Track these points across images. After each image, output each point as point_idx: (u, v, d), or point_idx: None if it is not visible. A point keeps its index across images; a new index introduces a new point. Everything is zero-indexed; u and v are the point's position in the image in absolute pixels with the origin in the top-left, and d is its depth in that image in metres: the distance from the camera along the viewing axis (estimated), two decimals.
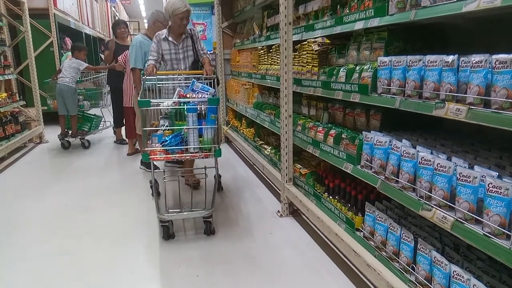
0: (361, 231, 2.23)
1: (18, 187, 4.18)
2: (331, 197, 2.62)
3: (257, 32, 4.59)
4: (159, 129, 2.97)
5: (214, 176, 3.41)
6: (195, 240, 2.85)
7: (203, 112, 2.85)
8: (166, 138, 2.76)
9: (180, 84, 3.29)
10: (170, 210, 2.90)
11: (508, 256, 1.29)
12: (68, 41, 8.76)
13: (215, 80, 3.32)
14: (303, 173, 3.12)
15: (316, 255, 2.61)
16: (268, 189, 3.94)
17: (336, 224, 2.44)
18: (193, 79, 3.10)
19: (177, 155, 2.73)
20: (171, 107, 2.89)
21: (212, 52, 7.02)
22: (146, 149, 2.75)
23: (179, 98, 2.84)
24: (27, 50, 6.43)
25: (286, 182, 3.21)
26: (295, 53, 3.18)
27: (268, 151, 4.04)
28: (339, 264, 2.48)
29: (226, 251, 2.69)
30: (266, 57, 4.20)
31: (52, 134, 6.82)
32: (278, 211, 3.31)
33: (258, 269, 2.46)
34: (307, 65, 3.00)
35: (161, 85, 3.36)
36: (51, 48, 7.69)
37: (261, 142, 4.47)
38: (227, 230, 2.99)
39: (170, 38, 3.56)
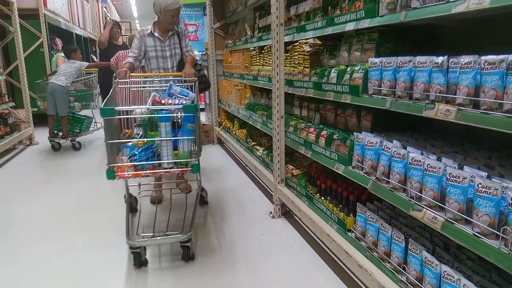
0: (353, 231, 2.23)
1: (8, 190, 4.12)
2: (323, 198, 2.62)
3: (249, 33, 4.59)
4: (126, 141, 2.57)
5: (196, 190, 3.14)
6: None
7: (179, 121, 2.51)
8: (135, 151, 2.41)
9: (156, 88, 2.93)
10: (142, 234, 2.62)
11: (497, 256, 1.30)
12: (59, 42, 8.68)
13: (196, 83, 3.00)
14: (295, 174, 3.12)
15: (308, 256, 2.61)
16: (260, 190, 3.94)
17: (328, 225, 2.44)
18: (170, 82, 2.79)
19: (148, 171, 2.37)
20: (142, 115, 2.56)
21: (204, 53, 7.01)
22: (111, 165, 2.33)
23: (152, 104, 2.52)
24: (17, 51, 6.36)
25: (278, 183, 3.21)
26: (287, 54, 3.18)
27: (260, 152, 4.04)
28: (331, 265, 2.48)
29: (216, 254, 2.67)
30: (258, 58, 4.19)
31: (42, 136, 6.74)
32: (271, 212, 3.31)
33: (250, 270, 2.46)
34: (299, 66, 3.00)
35: (135, 88, 3.10)
36: (41, 48, 7.61)
37: (253, 143, 4.46)
38: (216, 231, 2.98)
39: (156, 34, 3.38)
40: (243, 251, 2.69)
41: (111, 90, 2.80)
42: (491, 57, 1.38)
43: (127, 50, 4.66)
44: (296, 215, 3.07)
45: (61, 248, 2.78)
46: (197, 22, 10.15)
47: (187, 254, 2.55)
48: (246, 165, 4.57)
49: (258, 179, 4.15)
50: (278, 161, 3.17)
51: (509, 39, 1.87)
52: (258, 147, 4.24)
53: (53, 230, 3.08)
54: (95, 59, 10.53)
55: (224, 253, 2.66)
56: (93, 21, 13.26)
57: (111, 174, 2.32)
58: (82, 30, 10.99)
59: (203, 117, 6.87)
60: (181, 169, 2.39)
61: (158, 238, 2.48)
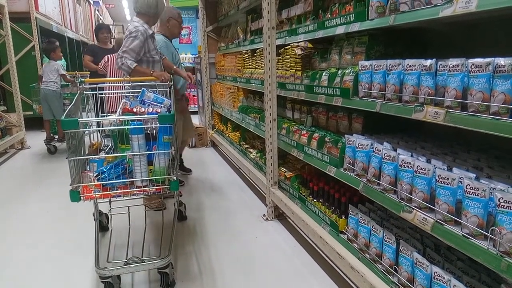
0: (345, 233, 2.24)
1: None
2: (315, 200, 2.63)
3: (242, 36, 4.60)
4: (93, 157, 2.27)
5: (174, 204, 2.83)
6: None
7: (154, 132, 2.23)
8: (104, 168, 2.09)
9: (126, 95, 2.58)
10: (113, 261, 2.38)
11: (486, 257, 1.32)
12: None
13: (172, 89, 2.74)
14: (288, 176, 3.13)
15: (301, 258, 2.61)
16: (253, 192, 3.94)
17: (321, 227, 2.45)
18: (142, 88, 2.50)
19: (119, 190, 2.07)
20: (111, 127, 2.27)
21: (197, 56, 7.01)
22: (75, 185, 2.03)
23: (123, 113, 2.21)
24: (8, 55, 6.31)
25: (272, 185, 3.22)
26: (279, 57, 3.19)
27: (253, 155, 4.05)
28: (324, 267, 2.49)
29: (205, 264, 2.67)
30: (250, 61, 4.21)
31: (35, 139, 6.71)
32: (264, 215, 3.31)
33: (243, 273, 2.46)
34: (291, 69, 3.02)
35: (103, 95, 2.77)
36: (32, 52, 7.56)
37: (246, 146, 4.47)
38: (211, 233, 2.98)
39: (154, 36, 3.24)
40: (235, 254, 2.68)
41: (75, 98, 2.50)
42: (478, 60, 1.39)
43: (115, 54, 4.64)
44: (289, 218, 3.08)
45: (54, 252, 2.76)
46: (190, 25, 10.15)
47: (165, 282, 2.25)
48: (240, 168, 4.57)
49: (251, 182, 4.16)
50: (271, 164, 3.18)
51: (496, 42, 1.90)
52: (251, 150, 4.25)
53: (44, 235, 3.06)
54: None
55: (214, 262, 2.66)
56: (86, 24, 13.19)
57: (75, 195, 2.02)
58: (74, 33, 10.93)
59: (196, 120, 6.85)
60: (158, 187, 2.11)
61: (132, 265, 2.18)
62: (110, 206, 2.76)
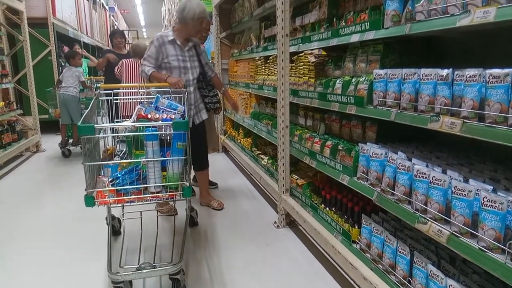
0: (358, 243, 2.22)
1: (14, 197, 4.15)
2: (327, 209, 2.61)
3: (255, 43, 4.62)
4: (108, 163, 2.28)
5: (186, 210, 2.83)
6: None
7: (168, 139, 2.24)
8: (118, 174, 2.12)
9: (142, 101, 2.64)
10: (126, 266, 2.39)
11: (503, 271, 1.29)
12: (66, 50, 8.79)
13: (185, 95, 2.78)
14: (300, 183, 3.11)
15: (313, 267, 2.59)
16: (265, 199, 3.93)
17: (333, 236, 2.43)
18: (157, 94, 2.53)
19: (132, 196, 2.10)
20: (125, 133, 2.29)
21: (210, 62, 7.06)
22: (90, 190, 2.06)
23: (137, 119, 2.24)
24: (25, 59, 6.45)
25: (283, 192, 3.21)
26: (292, 64, 3.20)
27: (265, 161, 4.04)
28: (336, 276, 2.46)
29: (222, 264, 2.67)
30: (263, 67, 4.22)
31: (49, 142, 6.83)
32: (275, 222, 3.30)
33: (254, 280, 2.45)
34: (304, 76, 3.02)
35: (118, 101, 2.79)
36: (49, 57, 7.72)
37: (258, 152, 4.47)
38: (222, 240, 2.98)
39: (178, 42, 3.21)
40: (246, 261, 2.68)
41: (91, 103, 2.54)
42: (496, 71, 1.38)
43: (131, 59, 4.71)
44: (300, 225, 3.06)
45: (67, 256, 2.79)
46: None
47: None
48: (251, 174, 4.57)
49: (263, 188, 4.15)
50: (283, 171, 3.17)
51: None
52: (263, 156, 4.25)
53: (58, 239, 3.09)
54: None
55: (225, 269, 2.65)
56: (101, 29, 13.42)
57: (90, 200, 2.04)
58: (90, 38, 11.13)
59: None
60: (171, 193, 2.13)
61: (144, 271, 2.17)
62: (123, 211, 2.78)
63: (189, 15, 3.11)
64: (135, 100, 2.89)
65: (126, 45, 6.25)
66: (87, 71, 7.38)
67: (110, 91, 2.73)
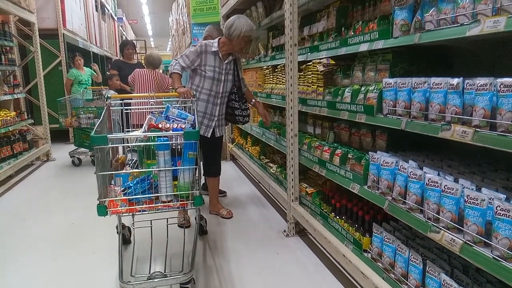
0: (369, 252, 2.21)
1: (25, 205, 4.20)
2: (338, 217, 2.61)
3: (262, 52, 4.66)
4: (120, 172, 2.33)
5: (195, 219, 2.80)
6: None
7: (179, 148, 2.24)
8: (130, 183, 2.14)
9: (152, 111, 2.67)
10: (137, 276, 2.41)
11: None
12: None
13: (194, 104, 2.84)
14: (309, 192, 3.11)
15: (324, 277, 2.58)
16: (274, 207, 3.93)
17: (344, 245, 2.42)
18: (167, 104, 2.57)
19: (144, 205, 2.12)
20: (137, 143, 2.31)
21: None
22: (102, 199, 2.07)
23: (149, 129, 2.27)
24: (36, 70, 6.54)
25: (292, 201, 3.21)
26: (300, 73, 3.22)
27: (273, 170, 4.05)
28: (347, 286, 2.45)
29: (232, 272, 2.67)
30: (271, 76, 4.25)
31: (59, 152, 6.90)
32: (284, 231, 3.29)
33: None
34: (312, 85, 3.03)
35: (128, 110, 2.82)
36: (59, 67, 7.83)
37: (266, 160, 4.48)
38: (232, 248, 2.98)
39: (220, 55, 3.27)
40: (256, 270, 2.67)
41: (102, 113, 2.57)
42: (507, 80, 1.38)
43: (144, 69, 4.78)
44: (310, 234, 3.05)
45: (78, 265, 2.81)
46: None
47: None
48: (259, 182, 4.58)
49: (272, 196, 4.15)
50: (292, 179, 3.18)
51: None
52: (271, 164, 4.25)
53: (68, 247, 3.12)
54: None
55: (235, 278, 2.65)
56: (109, 39, 13.60)
57: (102, 210, 2.05)
58: (99, 49, 11.29)
59: None
60: (182, 202, 2.15)
61: (156, 280, 2.18)
62: (133, 220, 2.80)
63: (236, 32, 3.17)
64: (145, 110, 2.91)
65: (135, 55, 6.33)
66: (90, 82, 7.46)
67: (121, 101, 2.75)
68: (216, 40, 3.33)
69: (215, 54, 3.27)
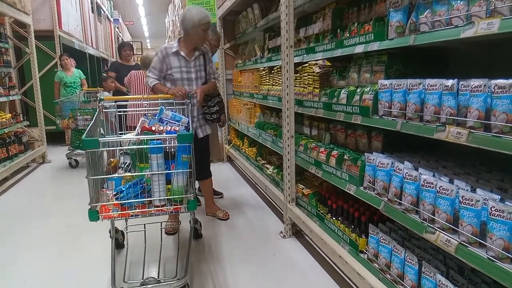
0: (365, 253, 2.22)
1: (20, 208, 4.18)
2: (334, 218, 2.61)
3: (259, 54, 4.66)
4: (112, 176, 2.29)
5: (190, 222, 2.75)
6: None
7: (172, 151, 2.21)
8: (122, 187, 2.10)
9: (146, 113, 2.61)
10: (129, 282, 2.37)
11: None
12: (72, 62, 8.87)
13: (189, 106, 2.80)
14: (305, 193, 3.12)
15: (320, 278, 2.59)
16: (270, 208, 3.93)
17: (340, 246, 2.43)
18: (161, 106, 2.53)
19: (137, 210, 2.07)
20: (129, 146, 2.28)
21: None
22: (94, 204, 2.04)
23: (142, 131, 2.22)
24: (32, 71, 6.52)
25: (289, 202, 3.21)
26: (296, 75, 3.22)
27: (270, 171, 4.05)
28: (344, 287, 2.45)
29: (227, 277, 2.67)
30: (267, 77, 4.25)
31: (55, 153, 6.87)
32: (281, 232, 3.29)
33: None
34: (309, 86, 3.04)
35: (121, 113, 2.76)
36: (55, 68, 7.80)
37: (263, 162, 4.48)
38: (228, 250, 2.98)
39: (182, 53, 3.16)
40: (252, 272, 2.67)
41: (94, 116, 2.54)
42: (501, 81, 1.39)
43: (140, 70, 4.78)
44: (307, 235, 3.06)
45: (74, 267, 2.80)
46: None
47: None
48: (256, 183, 4.58)
49: (268, 198, 4.16)
50: (289, 180, 3.18)
51: None
52: (268, 166, 4.26)
53: (65, 249, 3.10)
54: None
55: (230, 281, 2.64)
56: (106, 41, 13.57)
57: (94, 215, 2.02)
58: (95, 50, 11.26)
59: None
60: (175, 206, 2.10)
61: (149, 286, 2.16)
62: (126, 224, 2.76)
63: (189, 23, 3.07)
64: (140, 112, 2.91)
65: (133, 56, 6.33)
66: (78, 84, 7.39)
67: (114, 103, 2.73)
68: (176, 40, 3.26)
69: (177, 55, 3.17)
